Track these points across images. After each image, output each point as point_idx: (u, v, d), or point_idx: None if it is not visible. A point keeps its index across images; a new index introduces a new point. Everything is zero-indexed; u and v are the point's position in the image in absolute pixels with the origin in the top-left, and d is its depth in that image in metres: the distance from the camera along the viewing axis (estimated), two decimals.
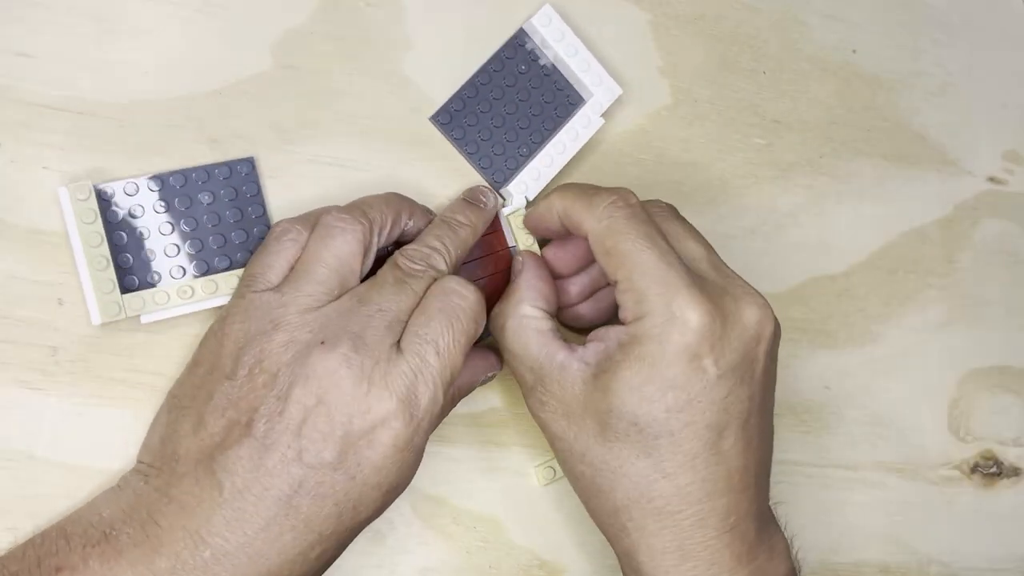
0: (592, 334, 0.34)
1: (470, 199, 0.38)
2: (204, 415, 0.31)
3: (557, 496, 0.40)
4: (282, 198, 0.37)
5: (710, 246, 0.36)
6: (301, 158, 0.38)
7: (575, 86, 0.41)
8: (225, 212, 0.35)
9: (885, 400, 0.46)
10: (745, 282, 0.34)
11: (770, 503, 0.36)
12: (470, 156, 0.39)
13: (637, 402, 0.32)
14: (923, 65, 0.48)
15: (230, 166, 0.36)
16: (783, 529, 0.36)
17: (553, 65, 0.40)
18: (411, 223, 0.36)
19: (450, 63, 0.40)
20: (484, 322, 0.34)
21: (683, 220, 0.36)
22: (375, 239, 0.34)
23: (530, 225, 0.38)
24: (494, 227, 0.38)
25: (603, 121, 0.41)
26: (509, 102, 0.40)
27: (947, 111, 0.48)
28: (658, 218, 0.35)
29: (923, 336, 0.47)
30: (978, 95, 0.49)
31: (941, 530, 0.46)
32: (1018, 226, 0.49)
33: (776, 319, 0.34)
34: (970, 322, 0.48)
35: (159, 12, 0.36)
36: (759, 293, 0.34)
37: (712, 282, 0.33)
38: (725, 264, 0.35)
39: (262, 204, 0.36)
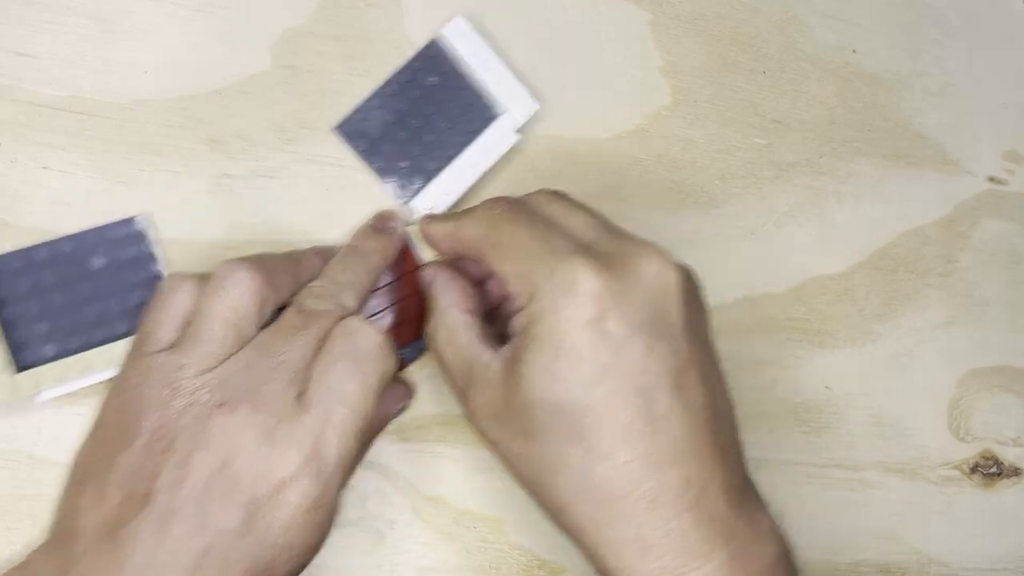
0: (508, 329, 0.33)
1: (377, 225, 0.37)
2: (104, 487, 0.29)
3: None
4: (280, 200, 0.37)
5: (601, 215, 0.34)
6: (301, 158, 0.38)
7: (489, 100, 0.39)
8: (123, 272, 0.34)
9: (885, 400, 0.46)
10: (641, 240, 0.32)
11: (747, 475, 0.33)
12: (376, 170, 0.38)
13: (549, 384, 0.30)
14: (923, 65, 0.48)
15: (122, 226, 0.34)
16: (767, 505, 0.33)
17: (468, 78, 0.39)
18: (315, 272, 0.34)
19: None
20: (395, 359, 0.32)
21: (568, 199, 0.35)
22: (271, 293, 0.32)
23: (427, 241, 0.36)
24: (402, 247, 0.37)
25: (519, 137, 0.39)
26: (418, 115, 0.38)
27: (947, 111, 0.48)
28: (539, 206, 0.34)
29: (923, 336, 0.47)
30: (978, 95, 0.49)
31: (941, 530, 0.46)
32: (1018, 226, 0.49)
33: (682, 267, 0.31)
34: (970, 322, 0.48)
35: (159, 12, 0.36)
36: (656, 246, 0.32)
37: (602, 245, 0.32)
38: (620, 228, 0.33)
39: (157, 264, 0.35)
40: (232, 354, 0.30)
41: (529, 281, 0.31)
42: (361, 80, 0.39)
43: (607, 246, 0.32)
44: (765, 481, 0.43)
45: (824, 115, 0.46)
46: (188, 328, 0.31)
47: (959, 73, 0.49)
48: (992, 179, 0.49)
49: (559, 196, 0.35)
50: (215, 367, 0.30)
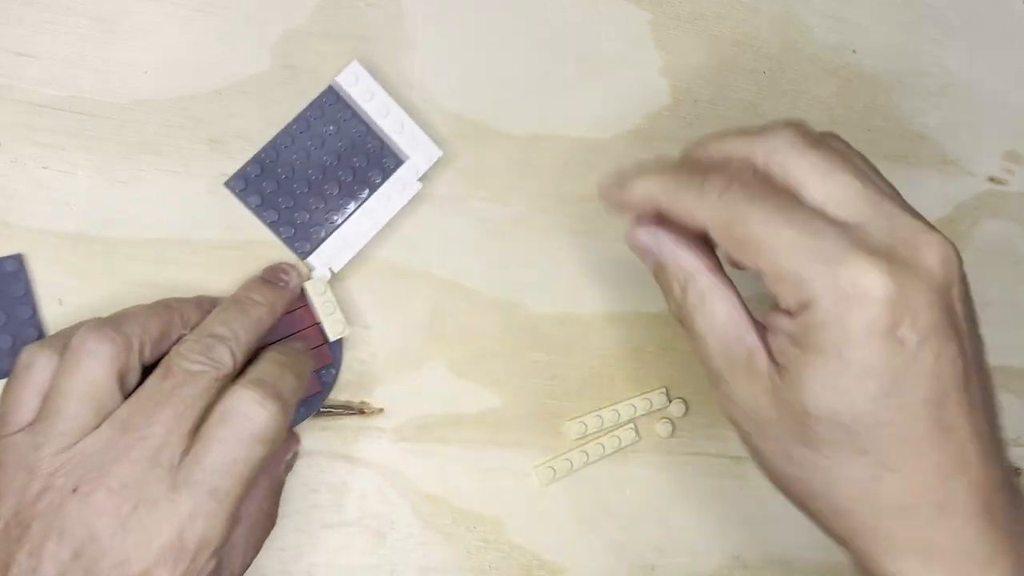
0: (761, 318, 0.29)
1: (268, 277, 0.35)
2: None
3: (557, 496, 0.40)
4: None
5: (862, 170, 0.29)
6: None
7: (393, 148, 0.38)
8: None
9: None
10: (913, 213, 0.28)
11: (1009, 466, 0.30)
12: (271, 225, 0.36)
13: (834, 398, 0.26)
14: (923, 65, 0.48)
15: None
16: None
17: (367, 126, 0.37)
18: (187, 331, 0.32)
19: (450, 63, 0.40)
20: (282, 436, 0.30)
21: (817, 148, 0.29)
22: (132, 357, 0.30)
23: (610, 200, 0.32)
24: (299, 302, 0.36)
25: (420, 185, 0.37)
26: (315, 165, 0.37)
27: (947, 111, 0.48)
28: (784, 168, 0.28)
29: None
30: (978, 95, 0.49)
31: None
32: (1018, 226, 0.49)
33: (956, 249, 0.28)
34: None
35: (159, 12, 0.36)
36: (931, 225, 0.27)
37: (877, 230, 0.27)
38: (885, 192, 0.28)
39: (31, 305, 0.34)
40: (92, 430, 0.29)
41: (801, 287, 0.26)
42: None
43: (882, 228, 0.27)
44: (764, 481, 0.43)
45: (824, 115, 0.46)
46: (43, 407, 0.29)
47: (959, 73, 0.49)
48: (992, 179, 0.49)
49: (806, 144, 0.29)
50: (72, 445, 0.28)
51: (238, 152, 0.37)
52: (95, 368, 0.29)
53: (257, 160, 0.36)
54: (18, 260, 0.34)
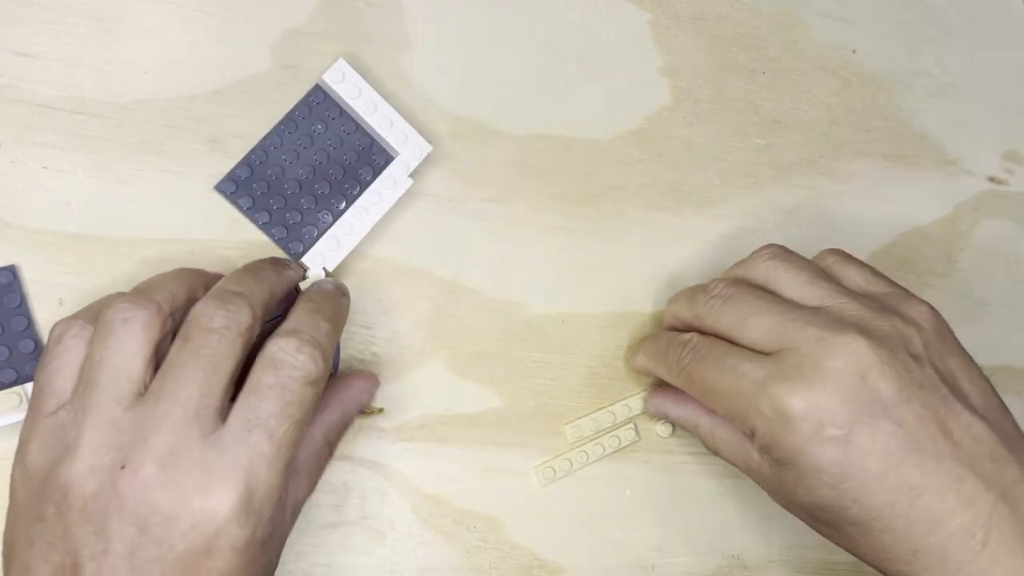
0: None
1: (271, 259, 0.35)
2: (30, 563, 0.28)
3: (557, 496, 0.40)
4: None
5: (804, 276, 0.35)
6: None
7: (383, 145, 0.38)
8: None
9: None
10: (823, 326, 0.32)
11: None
12: (263, 226, 0.36)
13: (808, 494, 0.32)
14: (923, 65, 0.48)
15: None
16: None
17: (356, 123, 0.37)
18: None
19: (450, 63, 0.40)
20: (325, 378, 0.31)
21: (743, 296, 0.35)
22: (166, 324, 0.30)
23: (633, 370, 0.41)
24: (289, 302, 0.35)
25: (411, 181, 0.37)
26: (305, 165, 0.37)
27: (947, 111, 0.48)
28: (728, 313, 0.34)
29: None
30: (978, 95, 0.49)
31: None
32: (1018, 226, 0.49)
33: (879, 337, 0.32)
34: (970, 322, 0.48)
35: (159, 12, 0.36)
36: (838, 325, 0.32)
37: (792, 343, 0.32)
38: (802, 312, 0.33)
39: (27, 316, 0.33)
40: (131, 402, 0.29)
41: (744, 423, 0.33)
42: None
43: (797, 343, 0.32)
44: None
45: (824, 115, 0.46)
46: (80, 381, 0.29)
47: (959, 73, 0.49)
48: (992, 179, 0.49)
49: (736, 295, 0.35)
50: (113, 421, 0.28)
51: (238, 152, 0.37)
52: (131, 337, 0.29)
53: (247, 162, 0.36)
54: (11, 271, 0.33)
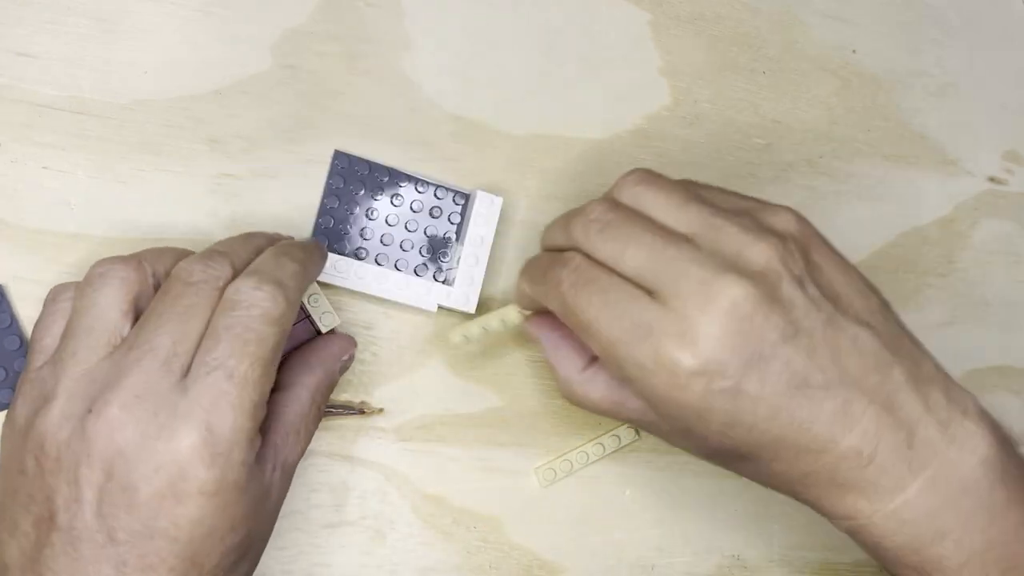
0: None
1: (269, 234, 0.35)
2: (15, 517, 0.28)
3: (557, 496, 0.40)
4: (280, 200, 0.37)
5: (675, 200, 0.33)
6: (301, 158, 0.38)
7: (452, 267, 0.39)
8: None
9: None
10: (707, 244, 0.31)
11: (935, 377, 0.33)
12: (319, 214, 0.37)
13: (703, 444, 0.33)
14: (923, 65, 0.48)
15: None
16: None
17: (460, 238, 0.39)
18: None
19: (450, 63, 0.40)
20: (292, 317, 0.30)
21: (622, 223, 0.33)
22: (145, 281, 0.30)
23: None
24: (300, 316, 0.36)
25: (434, 310, 0.38)
26: (398, 222, 0.38)
27: (947, 111, 0.48)
28: (606, 242, 0.32)
29: (923, 336, 0.46)
30: (978, 95, 0.49)
31: None
32: (1018, 226, 0.49)
33: (741, 278, 0.30)
34: (970, 322, 0.48)
35: (159, 12, 0.36)
36: (721, 260, 0.31)
37: (681, 279, 0.30)
38: (675, 246, 0.31)
39: (18, 335, 0.33)
40: (107, 353, 0.29)
41: (622, 369, 0.31)
42: (361, 80, 0.39)
43: (679, 288, 0.30)
44: None
45: (824, 115, 0.46)
46: (63, 332, 0.30)
47: (959, 73, 0.49)
48: (992, 179, 0.49)
49: (614, 222, 0.33)
50: (88, 370, 0.29)
51: (238, 152, 0.37)
52: (108, 290, 0.30)
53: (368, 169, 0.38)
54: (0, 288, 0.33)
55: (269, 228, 0.37)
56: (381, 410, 0.38)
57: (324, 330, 0.36)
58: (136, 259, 0.31)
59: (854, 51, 0.47)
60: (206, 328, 0.29)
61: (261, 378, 0.29)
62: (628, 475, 0.41)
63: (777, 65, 0.46)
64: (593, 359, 0.35)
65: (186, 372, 0.28)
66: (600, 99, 0.42)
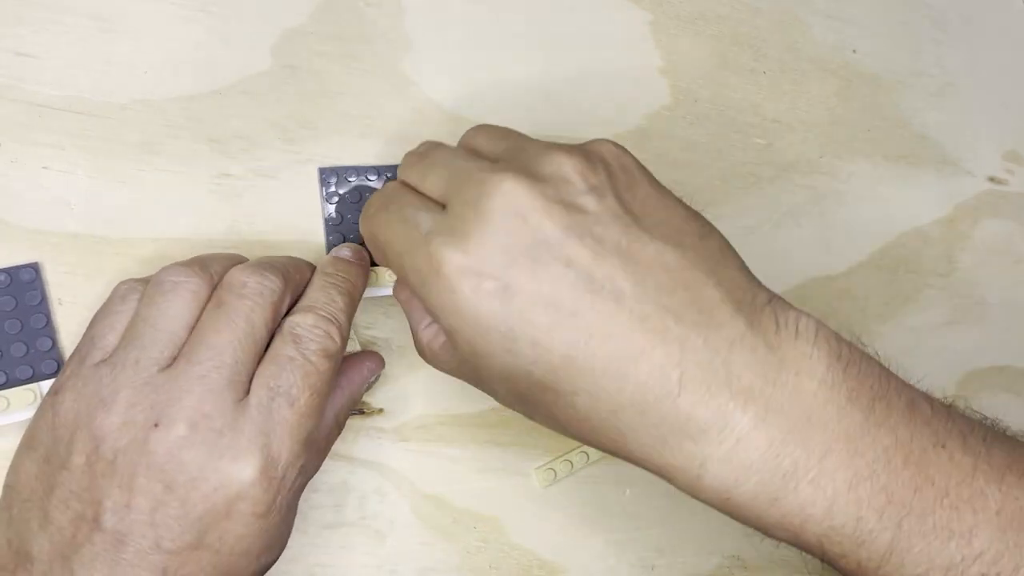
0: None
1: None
2: (48, 510, 0.28)
3: (557, 496, 0.40)
4: (280, 200, 0.37)
5: (499, 132, 0.32)
6: (301, 158, 0.38)
7: None
8: (3, 323, 0.33)
9: None
10: (509, 156, 0.30)
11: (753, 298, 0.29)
12: (327, 218, 0.37)
13: (494, 372, 0.29)
14: (923, 65, 0.48)
15: (10, 273, 0.33)
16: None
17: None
18: None
19: (450, 63, 0.40)
20: (342, 352, 0.32)
21: (426, 154, 0.32)
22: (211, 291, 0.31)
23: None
24: None
25: None
26: None
27: (947, 111, 0.48)
28: (415, 165, 0.32)
29: (923, 336, 0.47)
30: (978, 95, 0.49)
31: None
32: (1018, 226, 0.49)
33: (506, 182, 0.28)
34: (970, 322, 0.48)
35: (159, 12, 0.36)
36: (507, 162, 0.29)
37: (465, 181, 0.29)
38: (464, 168, 0.30)
39: (46, 314, 0.33)
40: (168, 363, 0.29)
41: (404, 277, 0.30)
42: (361, 80, 0.39)
43: (460, 190, 0.29)
44: None
45: (824, 115, 0.46)
46: (123, 338, 0.30)
47: (959, 73, 0.49)
48: (992, 179, 0.49)
49: (430, 150, 0.32)
50: (149, 379, 0.29)
51: (238, 152, 0.37)
52: (179, 301, 0.30)
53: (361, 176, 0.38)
54: (34, 269, 0.34)
55: (268, 229, 0.37)
56: (381, 410, 0.38)
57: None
58: (208, 272, 0.31)
59: (854, 51, 0.47)
60: (263, 343, 0.30)
61: (317, 408, 0.30)
62: (628, 475, 0.41)
63: (777, 65, 0.46)
64: None
65: (244, 386, 0.29)
66: (600, 99, 0.42)
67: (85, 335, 0.31)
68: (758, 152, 0.45)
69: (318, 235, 0.37)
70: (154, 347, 0.29)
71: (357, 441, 0.38)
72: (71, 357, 0.31)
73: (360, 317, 0.38)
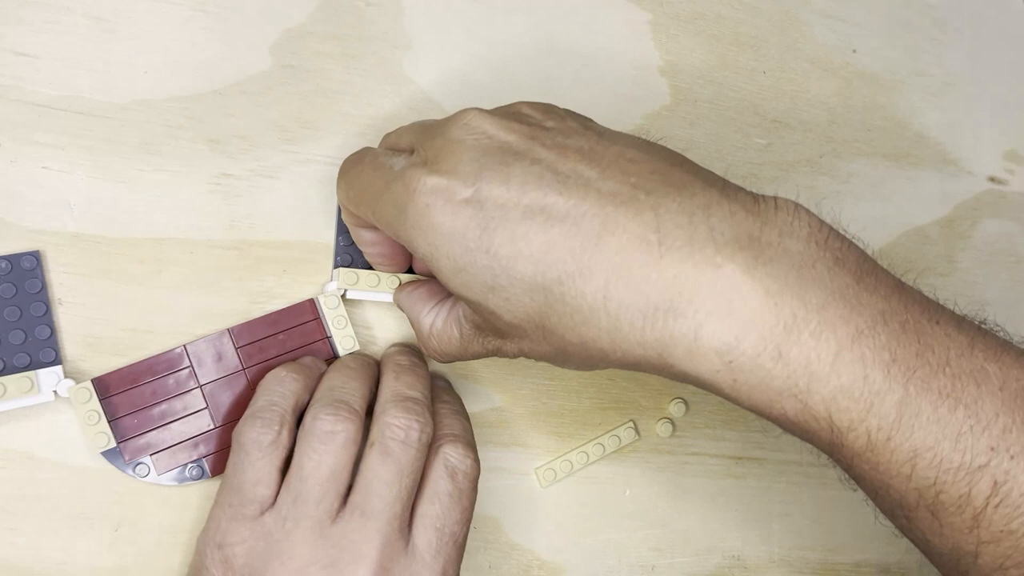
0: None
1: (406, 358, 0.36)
2: None
3: (557, 496, 0.40)
4: (280, 200, 0.37)
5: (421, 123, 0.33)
6: (301, 158, 0.38)
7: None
8: (3, 310, 0.33)
9: None
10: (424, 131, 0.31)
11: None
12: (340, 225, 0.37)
13: (480, 286, 0.28)
14: (923, 65, 0.48)
15: (11, 260, 0.33)
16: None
17: None
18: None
19: (450, 63, 0.40)
20: (478, 472, 0.33)
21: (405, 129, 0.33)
22: (360, 430, 0.32)
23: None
24: (311, 315, 0.36)
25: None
26: None
27: (947, 111, 0.48)
28: (394, 134, 0.33)
29: None
30: (978, 95, 0.49)
31: None
32: (1018, 226, 0.49)
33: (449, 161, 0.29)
34: None
35: (159, 12, 0.36)
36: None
37: (438, 127, 0.30)
38: (431, 125, 0.31)
39: (45, 302, 0.34)
40: (337, 515, 0.30)
41: (376, 216, 0.30)
42: (361, 80, 0.39)
43: (433, 134, 0.30)
44: (766, 481, 0.43)
45: (824, 115, 0.46)
46: (287, 484, 0.31)
47: (959, 73, 0.49)
48: (992, 179, 0.49)
49: (416, 123, 0.33)
50: (321, 531, 0.30)
51: (238, 152, 0.37)
52: (340, 451, 0.31)
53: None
54: (35, 257, 0.34)
55: (268, 229, 0.37)
56: None
57: (342, 353, 0.36)
58: (357, 415, 0.32)
59: (854, 51, 0.47)
60: (419, 482, 0.32)
61: (466, 535, 0.32)
62: (628, 475, 0.41)
63: (777, 65, 0.46)
64: (444, 298, 0.34)
65: (409, 531, 0.31)
66: (600, 99, 0.42)
67: (231, 488, 0.31)
68: (758, 152, 0.45)
69: (318, 234, 0.37)
70: (322, 501, 0.30)
71: None
72: (216, 507, 0.32)
73: (360, 316, 0.38)
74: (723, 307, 0.25)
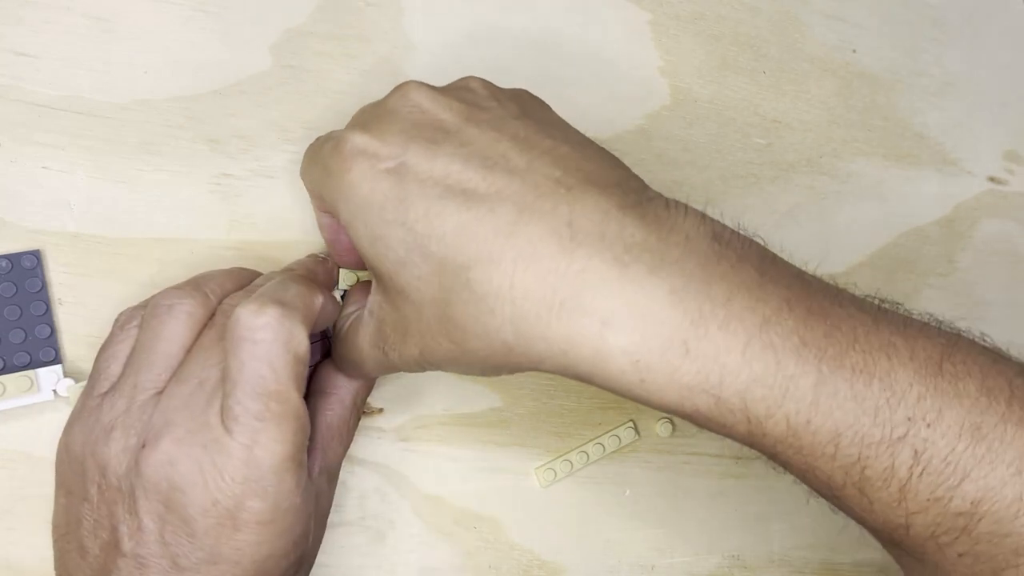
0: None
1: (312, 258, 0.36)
2: (82, 540, 0.29)
3: (557, 496, 0.40)
4: (280, 200, 0.37)
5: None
6: (300, 158, 0.37)
7: None
8: (3, 309, 0.33)
9: None
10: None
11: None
12: None
13: (393, 258, 0.28)
14: (923, 65, 0.48)
15: (12, 259, 0.33)
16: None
17: None
18: None
19: (450, 63, 0.40)
20: (302, 336, 0.28)
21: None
22: (209, 313, 0.31)
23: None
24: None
25: None
26: None
27: (947, 111, 0.48)
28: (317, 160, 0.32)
29: None
30: (978, 95, 0.49)
31: None
32: (1018, 226, 0.49)
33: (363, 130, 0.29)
34: (970, 322, 0.47)
35: (159, 12, 0.36)
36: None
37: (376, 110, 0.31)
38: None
39: (45, 302, 0.34)
40: (165, 383, 0.30)
41: (314, 186, 0.31)
42: (361, 80, 0.39)
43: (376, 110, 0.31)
44: (764, 481, 0.43)
45: (824, 115, 0.46)
46: (127, 362, 0.31)
47: (959, 73, 0.49)
48: (992, 179, 0.49)
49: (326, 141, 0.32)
50: (144, 404, 0.29)
51: (238, 152, 0.37)
52: (174, 323, 0.30)
53: None
54: (35, 256, 0.34)
55: (268, 228, 0.37)
56: (381, 410, 0.38)
57: None
58: (203, 292, 0.31)
59: (854, 51, 0.47)
60: None
61: (290, 400, 0.28)
62: (628, 475, 0.41)
63: (777, 65, 0.46)
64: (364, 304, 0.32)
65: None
66: (600, 99, 0.42)
67: (92, 370, 0.32)
68: (758, 152, 0.45)
69: (318, 235, 0.37)
70: (151, 371, 0.30)
71: (357, 441, 0.37)
72: (81, 394, 0.32)
73: None
74: (628, 305, 0.25)
